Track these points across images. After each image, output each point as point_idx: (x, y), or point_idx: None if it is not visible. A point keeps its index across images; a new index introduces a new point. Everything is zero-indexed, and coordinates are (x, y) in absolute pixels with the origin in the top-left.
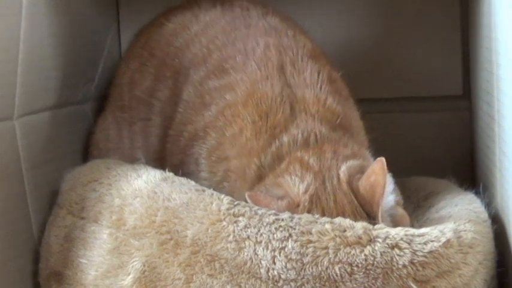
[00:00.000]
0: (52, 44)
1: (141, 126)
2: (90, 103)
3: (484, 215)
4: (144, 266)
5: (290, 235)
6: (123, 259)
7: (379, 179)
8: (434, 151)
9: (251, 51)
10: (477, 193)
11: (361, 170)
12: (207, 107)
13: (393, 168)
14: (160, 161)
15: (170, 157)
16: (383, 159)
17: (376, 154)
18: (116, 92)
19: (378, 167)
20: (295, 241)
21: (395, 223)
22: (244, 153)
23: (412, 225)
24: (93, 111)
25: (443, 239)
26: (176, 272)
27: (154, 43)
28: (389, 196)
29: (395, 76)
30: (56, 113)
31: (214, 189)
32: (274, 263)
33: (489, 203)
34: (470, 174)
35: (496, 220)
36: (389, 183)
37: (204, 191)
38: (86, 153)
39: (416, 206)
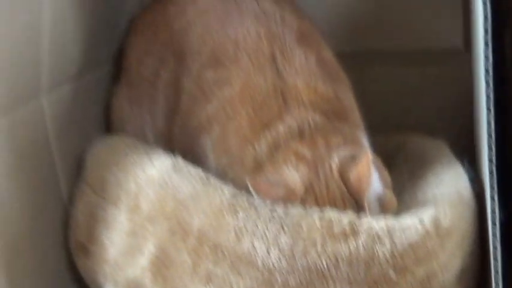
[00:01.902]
0: (74, 15)
1: (149, 104)
2: (112, 63)
3: (467, 193)
4: (156, 249)
5: (283, 228)
6: (139, 241)
7: (364, 171)
8: (435, 104)
9: (242, 41)
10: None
11: (353, 157)
12: (208, 100)
13: (396, 120)
14: (165, 139)
15: (178, 143)
16: (368, 154)
17: (380, 107)
18: (127, 67)
19: (364, 163)
20: (287, 235)
21: (382, 207)
22: (243, 144)
23: (402, 201)
24: (115, 70)
25: (421, 230)
26: (184, 257)
27: (158, 24)
28: (374, 188)
29: (395, 29)
30: (80, 80)
31: (220, 175)
32: (268, 254)
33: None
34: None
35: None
36: (374, 174)
37: (209, 181)
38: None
39: (411, 173)
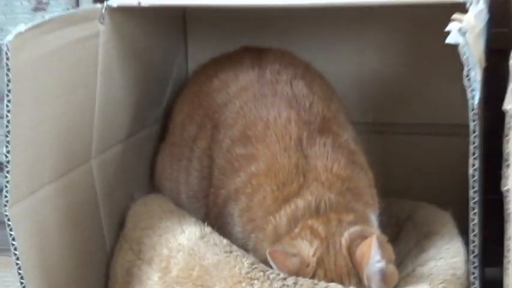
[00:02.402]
0: (124, 88)
1: (185, 164)
2: (159, 123)
3: (461, 269)
4: None
5: None
6: None
7: (367, 252)
8: (450, 172)
9: (272, 123)
10: None
11: (362, 235)
12: (237, 173)
13: (411, 184)
14: (196, 198)
15: (212, 208)
16: (375, 237)
17: (398, 172)
18: (171, 128)
19: (369, 242)
20: None
21: (385, 280)
22: (265, 215)
23: (405, 271)
24: (161, 129)
25: None
26: None
27: (203, 94)
28: (375, 264)
29: (414, 103)
30: (127, 143)
31: (245, 240)
32: None
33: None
34: None
35: None
36: (376, 255)
37: (231, 252)
38: (152, 172)
39: (416, 242)
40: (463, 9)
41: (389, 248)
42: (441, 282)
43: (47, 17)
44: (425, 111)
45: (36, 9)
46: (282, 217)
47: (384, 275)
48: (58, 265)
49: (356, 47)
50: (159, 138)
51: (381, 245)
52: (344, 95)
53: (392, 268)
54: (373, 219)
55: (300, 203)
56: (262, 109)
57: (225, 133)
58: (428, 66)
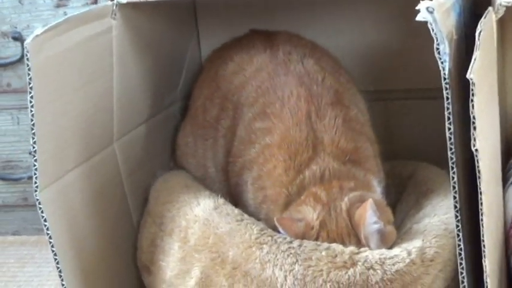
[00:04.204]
0: (139, 75)
1: (211, 143)
2: (177, 104)
3: (453, 224)
4: (201, 273)
5: (297, 260)
6: (188, 266)
7: (364, 214)
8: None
9: (287, 100)
10: None
11: (361, 199)
12: (253, 145)
13: (412, 147)
14: (223, 171)
15: (230, 177)
16: (371, 200)
17: (400, 136)
18: (192, 110)
19: (366, 205)
20: (300, 265)
21: (383, 239)
22: (277, 184)
23: (403, 230)
24: (180, 110)
25: (407, 260)
26: (222, 280)
27: (220, 78)
28: (372, 225)
29: (413, 70)
30: (147, 125)
31: (256, 208)
32: (286, 280)
33: None
34: None
35: None
36: (372, 216)
37: (242, 220)
38: (173, 149)
39: (416, 201)
40: None
41: (387, 210)
42: (434, 237)
43: (65, 16)
44: (421, 77)
45: (58, 6)
46: (294, 187)
47: (381, 235)
48: (87, 241)
49: (356, 21)
50: (177, 119)
51: (379, 208)
52: (347, 67)
53: (390, 228)
54: (376, 185)
55: (308, 173)
56: (277, 88)
57: (247, 111)
58: (424, 36)
